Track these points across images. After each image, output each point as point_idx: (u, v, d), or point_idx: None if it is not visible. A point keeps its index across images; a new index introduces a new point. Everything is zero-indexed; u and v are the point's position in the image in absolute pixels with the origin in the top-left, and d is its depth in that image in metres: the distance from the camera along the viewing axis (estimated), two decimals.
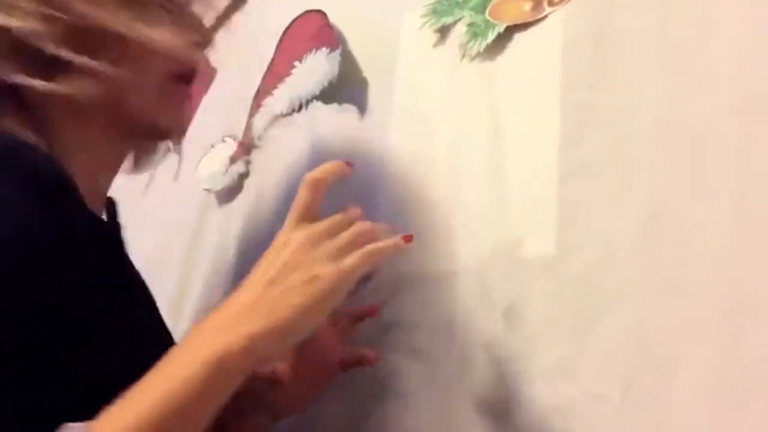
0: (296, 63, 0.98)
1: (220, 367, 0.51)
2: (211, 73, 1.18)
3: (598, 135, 0.66)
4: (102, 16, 0.62)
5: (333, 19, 0.95)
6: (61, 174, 0.57)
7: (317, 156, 0.92)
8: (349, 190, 0.85)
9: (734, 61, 0.59)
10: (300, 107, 0.96)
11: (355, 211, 0.63)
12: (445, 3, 0.82)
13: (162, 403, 0.50)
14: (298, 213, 0.60)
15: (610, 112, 0.65)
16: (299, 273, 0.55)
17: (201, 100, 1.18)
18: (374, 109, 0.87)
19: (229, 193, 1.02)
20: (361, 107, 0.89)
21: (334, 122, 0.91)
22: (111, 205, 0.73)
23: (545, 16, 0.72)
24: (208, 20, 0.72)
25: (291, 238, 0.58)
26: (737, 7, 0.60)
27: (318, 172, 0.62)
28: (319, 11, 0.96)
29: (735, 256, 0.55)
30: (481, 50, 0.76)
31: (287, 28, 1.01)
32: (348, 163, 0.64)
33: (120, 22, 0.63)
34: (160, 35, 0.64)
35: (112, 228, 0.71)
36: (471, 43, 0.77)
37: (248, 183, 1.00)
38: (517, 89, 0.73)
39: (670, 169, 0.61)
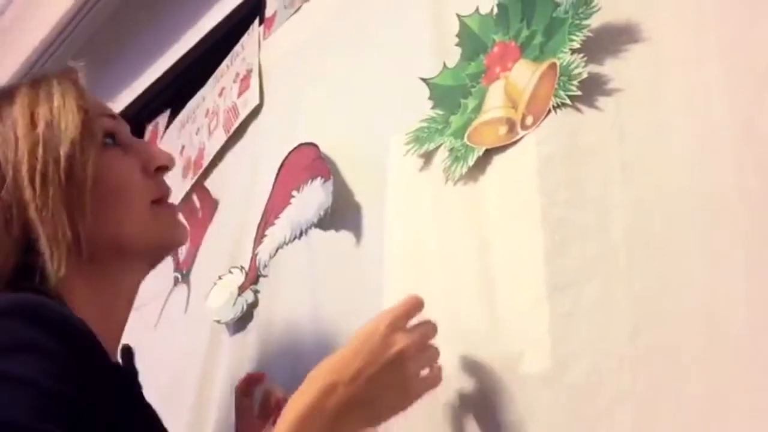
0: (294, 193, 1.03)
1: None
2: (214, 205, 1.25)
3: (579, 249, 0.69)
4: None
5: (324, 148, 1.00)
6: (86, 330, 0.64)
7: (319, 283, 0.96)
8: (347, 321, 0.89)
9: (688, 168, 0.64)
10: (300, 234, 1.00)
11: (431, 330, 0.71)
12: (426, 130, 0.87)
13: None
14: (394, 318, 0.68)
15: (587, 226, 0.69)
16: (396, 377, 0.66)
17: (206, 232, 1.24)
18: (368, 234, 0.91)
19: (240, 323, 1.05)
20: (357, 233, 0.93)
21: (332, 249, 0.95)
22: (127, 352, 0.77)
23: (520, 139, 0.77)
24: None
25: (394, 340, 0.67)
26: (685, 119, 0.65)
27: (418, 299, 0.71)
28: (312, 144, 1.02)
29: (710, 363, 0.58)
30: (464, 173, 0.81)
31: (284, 161, 1.07)
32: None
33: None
34: (123, 170, 0.76)
35: (130, 374, 0.75)
36: (453, 167, 0.82)
37: (257, 312, 1.04)
38: (500, 208, 0.78)
39: (644, 280, 0.64)
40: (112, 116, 0.79)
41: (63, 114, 0.74)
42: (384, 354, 0.66)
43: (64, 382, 0.59)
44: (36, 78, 0.77)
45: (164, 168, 0.80)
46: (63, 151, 0.72)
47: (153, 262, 0.80)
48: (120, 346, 0.76)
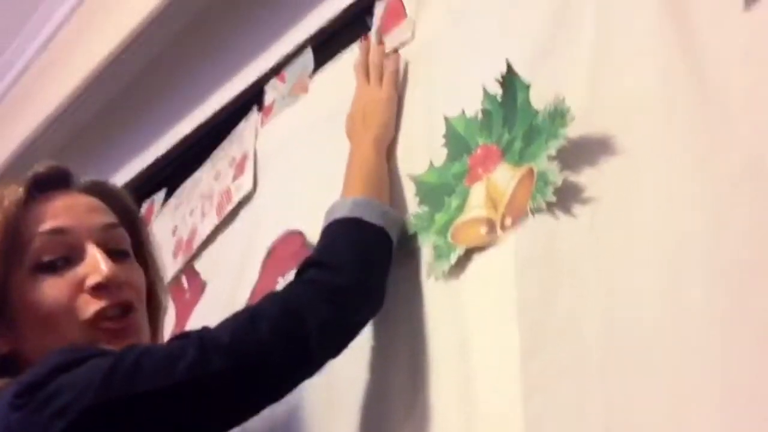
0: (280, 279, 1.05)
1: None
2: (201, 286, 1.26)
3: (554, 351, 0.71)
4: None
5: (311, 237, 1.02)
6: None
7: None
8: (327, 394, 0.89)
9: (659, 280, 0.66)
10: None
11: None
12: (412, 226, 0.89)
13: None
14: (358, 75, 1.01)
15: (561, 330, 0.71)
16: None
17: (192, 313, 1.25)
18: None
19: None
20: None
21: None
22: None
23: (499, 239, 0.79)
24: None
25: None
26: (658, 232, 0.67)
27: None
28: (299, 232, 1.04)
29: None
30: (446, 271, 0.82)
31: (271, 248, 1.09)
32: None
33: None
34: (46, 295, 0.76)
35: None
36: (436, 264, 0.84)
37: None
38: (478, 307, 0.79)
39: (617, 384, 0.65)
40: (57, 231, 0.78)
41: None
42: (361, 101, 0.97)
43: None
44: None
45: (101, 285, 0.77)
46: None
47: None
48: None
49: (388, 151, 0.95)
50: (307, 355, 0.75)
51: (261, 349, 0.72)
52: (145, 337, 0.82)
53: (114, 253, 0.80)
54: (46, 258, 0.77)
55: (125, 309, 0.78)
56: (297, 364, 0.75)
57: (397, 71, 0.99)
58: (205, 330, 0.74)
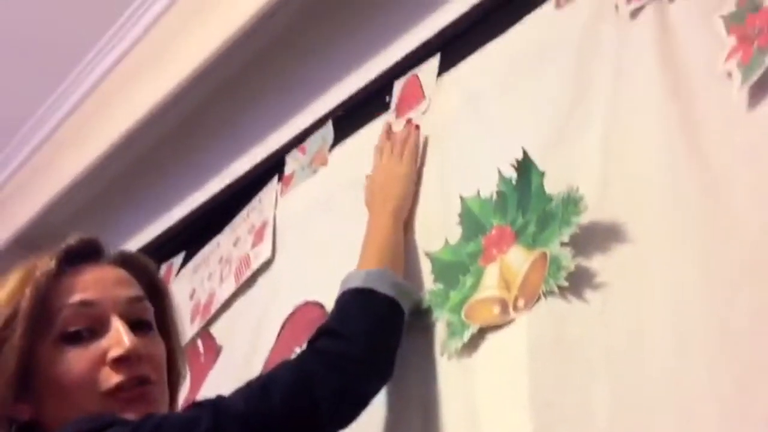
0: (296, 349, 1.07)
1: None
2: (217, 351, 1.27)
3: None
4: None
5: (329, 305, 1.04)
6: None
7: None
8: None
9: (667, 363, 0.68)
10: None
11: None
12: (427, 302, 0.91)
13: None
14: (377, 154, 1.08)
15: (573, 413, 0.72)
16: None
17: (207, 375, 1.26)
18: None
19: None
20: None
21: None
22: None
23: (512, 320, 0.81)
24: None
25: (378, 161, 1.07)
26: (665, 317, 0.69)
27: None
28: (319, 303, 1.06)
29: None
30: (459, 349, 0.84)
31: (289, 316, 1.11)
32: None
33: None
34: (70, 366, 0.77)
35: None
36: (450, 342, 0.86)
37: None
38: (490, 386, 0.81)
39: None
40: (85, 303, 0.80)
41: (10, 306, 0.78)
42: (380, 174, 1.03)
43: None
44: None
45: (122, 358, 0.78)
46: (10, 343, 0.77)
47: None
48: None
49: (405, 224, 0.98)
50: (317, 423, 0.78)
51: (273, 418, 0.75)
52: (162, 408, 0.84)
53: (137, 325, 0.83)
54: (72, 328, 0.79)
55: (142, 381, 0.81)
56: None
57: (417, 147, 1.03)
58: (219, 398, 0.77)
